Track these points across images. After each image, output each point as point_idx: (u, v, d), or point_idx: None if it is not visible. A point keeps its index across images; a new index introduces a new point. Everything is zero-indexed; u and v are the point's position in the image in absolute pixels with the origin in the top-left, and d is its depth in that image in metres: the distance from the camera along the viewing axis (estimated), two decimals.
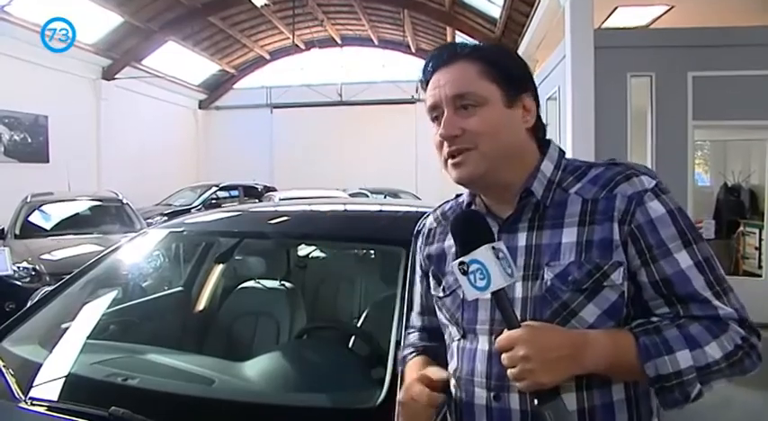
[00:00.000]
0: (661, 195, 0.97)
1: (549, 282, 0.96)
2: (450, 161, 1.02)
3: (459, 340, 1.06)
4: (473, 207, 1.10)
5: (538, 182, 1.02)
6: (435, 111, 1.04)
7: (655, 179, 0.99)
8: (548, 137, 1.11)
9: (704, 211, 6.55)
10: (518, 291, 0.98)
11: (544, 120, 1.11)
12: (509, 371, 0.88)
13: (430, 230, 1.19)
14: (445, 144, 1.02)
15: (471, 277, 0.90)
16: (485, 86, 1.01)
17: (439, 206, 1.23)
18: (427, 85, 1.06)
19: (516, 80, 1.04)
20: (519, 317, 0.92)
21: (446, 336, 1.11)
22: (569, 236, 0.97)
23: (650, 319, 0.94)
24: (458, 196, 1.19)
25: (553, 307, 0.95)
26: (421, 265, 1.21)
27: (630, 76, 5.50)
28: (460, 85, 1.01)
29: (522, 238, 1.01)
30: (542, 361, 0.85)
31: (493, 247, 0.90)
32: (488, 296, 0.92)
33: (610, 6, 6.69)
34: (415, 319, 1.27)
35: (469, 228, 0.96)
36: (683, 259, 0.94)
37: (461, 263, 0.91)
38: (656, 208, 0.96)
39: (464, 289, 0.92)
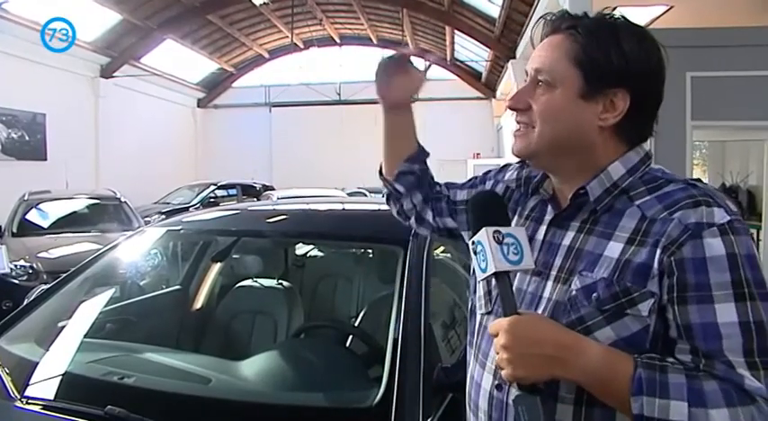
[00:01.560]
0: (729, 235, 0.83)
1: (573, 292, 0.90)
2: (514, 132, 0.99)
3: (482, 315, 1.05)
4: (542, 186, 1.04)
5: (598, 182, 0.93)
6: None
7: (731, 215, 0.84)
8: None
9: None
10: (547, 291, 0.95)
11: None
12: (494, 358, 0.86)
13: (509, 188, 1.13)
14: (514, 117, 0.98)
15: (478, 257, 0.89)
16: (565, 69, 0.92)
17: (523, 164, 1.13)
18: None
19: (608, 70, 0.90)
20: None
21: (473, 303, 1.10)
22: (613, 250, 0.89)
23: (665, 358, 0.83)
24: None
25: (570, 318, 0.89)
26: (486, 185, 1.19)
27: None
28: (543, 60, 0.94)
29: (568, 237, 0.95)
30: (519, 354, 0.82)
31: (496, 231, 0.88)
32: (492, 279, 0.89)
33: (609, 6, 6.68)
34: (449, 183, 1.29)
35: (482, 208, 0.94)
36: (726, 313, 0.81)
37: (473, 243, 0.90)
38: (714, 246, 0.82)
39: (475, 268, 0.91)
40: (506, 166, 1.18)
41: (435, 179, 1.29)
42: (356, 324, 2.16)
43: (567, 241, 0.95)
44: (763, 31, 5.50)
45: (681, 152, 5.47)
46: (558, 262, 0.95)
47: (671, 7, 6.83)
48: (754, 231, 6.33)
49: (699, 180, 0.93)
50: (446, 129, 15.44)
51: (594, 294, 0.88)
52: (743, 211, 6.87)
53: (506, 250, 0.87)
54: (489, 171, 1.23)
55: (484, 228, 0.88)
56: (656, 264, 0.85)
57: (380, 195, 1.36)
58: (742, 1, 6.53)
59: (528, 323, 0.85)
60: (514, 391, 0.90)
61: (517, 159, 1.11)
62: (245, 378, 1.71)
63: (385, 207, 1.34)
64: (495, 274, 0.87)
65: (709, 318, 0.82)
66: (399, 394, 1.41)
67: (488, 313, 1.03)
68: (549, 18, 0.98)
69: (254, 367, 1.75)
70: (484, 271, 0.88)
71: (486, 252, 0.88)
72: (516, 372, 0.82)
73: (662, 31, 6.60)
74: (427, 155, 1.27)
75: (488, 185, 1.18)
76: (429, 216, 1.25)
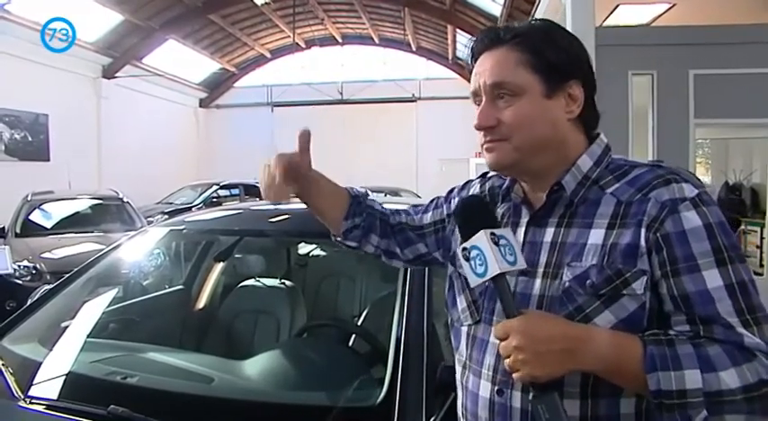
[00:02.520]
0: (701, 206, 0.89)
1: (566, 283, 0.93)
2: (483, 146, 1.00)
3: (469, 326, 1.05)
4: (512, 191, 1.06)
5: (571, 176, 0.98)
6: (476, 98, 1.01)
7: (698, 188, 0.91)
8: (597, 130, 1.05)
9: None
10: (536, 288, 0.96)
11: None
12: (504, 362, 0.85)
13: None
14: (481, 133, 1.00)
15: (472, 263, 0.89)
16: (523, 76, 0.96)
17: (488, 176, 1.17)
18: (472, 69, 1.03)
19: (561, 67, 0.97)
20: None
21: (454, 317, 1.11)
22: (596, 237, 0.93)
23: (666, 332, 0.87)
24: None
25: (568, 309, 0.91)
26: (451, 204, 1.19)
27: (632, 75, 5.47)
28: (498, 73, 0.97)
29: (548, 234, 0.98)
30: (535, 352, 0.82)
31: (492, 233, 0.89)
32: (489, 283, 0.89)
33: (611, 4, 6.67)
34: (409, 210, 1.29)
35: (471, 214, 0.95)
36: (713, 278, 0.86)
37: (464, 249, 0.90)
38: (691, 219, 0.88)
39: (467, 275, 0.91)
40: (469, 182, 1.22)
41: (389, 210, 1.28)
42: (359, 323, 2.16)
43: (548, 238, 0.98)
44: (766, 29, 5.48)
45: (684, 150, 5.46)
46: (543, 259, 0.97)
47: (673, 5, 6.81)
48: (757, 229, 6.32)
49: (661, 161, 0.99)
50: (447, 128, 15.44)
51: (588, 281, 0.91)
52: (746, 209, 6.85)
53: (503, 251, 0.88)
54: (452, 189, 1.25)
55: (482, 231, 0.89)
56: (642, 242, 0.89)
57: (383, 195, 1.36)
58: None
59: (537, 321, 0.86)
60: (518, 394, 0.92)
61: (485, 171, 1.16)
62: (247, 377, 1.72)
63: (387, 206, 1.34)
64: (494, 277, 0.87)
65: (701, 286, 0.86)
66: (402, 393, 1.41)
67: (476, 323, 1.04)
68: (485, 34, 1.02)
69: (257, 366, 1.76)
70: (482, 275, 0.88)
71: (484, 255, 0.88)
72: (534, 371, 0.83)
73: (664, 28, 6.63)
74: (362, 201, 1.24)
75: (453, 203, 1.19)
76: (397, 250, 1.26)
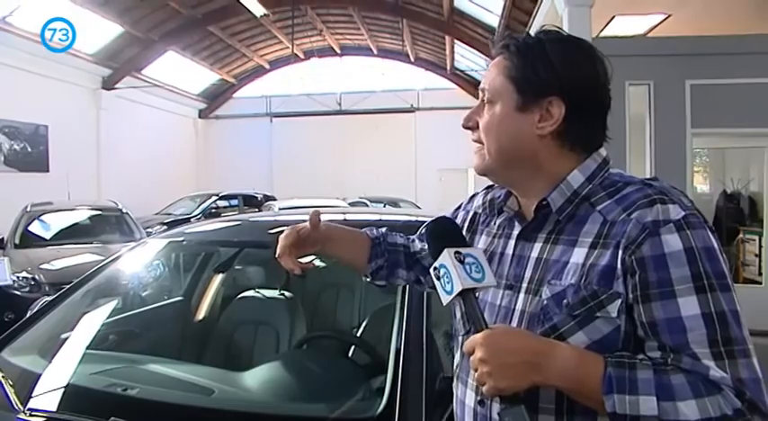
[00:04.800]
0: (685, 230, 0.85)
1: (545, 301, 0.93)
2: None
3: (462, 336, 1.07)
4: (506, 204, 1.08)
5: (558, 193, 0.96)
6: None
7: (686, 210, 0.88)
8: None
9: None
10: (519, 303, 0.97)
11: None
12: (474, 375, 0.86)
13: (476, 213, 1.17)
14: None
15: (442, 281, 0.91)
16: (501, 84, 0.98)
17: (488, 188, 1.19)
18: None
19: (540, 83, 0.95)
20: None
21: (456, 328, 1.13)
22: (578, 256, 0.92)
23: (634, 356, 0.85)
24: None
25: (544, 327, 0.92)
26: (457, 219, 1.21)
27: (629, 85, 5.52)
28: (485, 78, 1.01)
29: (536, 249, 0.98)
30: (498, 365, 0.82)
31: (457, 251, 0.91)
32: (458, 299, 0.90)
33: (607, 15, 6.73)
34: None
35: (438, 233, 0.98)
36: (688, 306, 0.83)
37: (434, 268, 0.93)
38: (671, 242, 0.85)
39: (439, 294, 0.92)
40: (474, 196, 1.23)
41: (408, 239, 1.30)
42: (358, 334, 2.16)
43: (535, 253, 0.98)
44: (761, 39, 5.53)
45: (681, 159, 5.49)
46: (528, 274, 0.97)
47: (669, 16, 6.87)
48: (756, 237, 6.33)
49: (655, 178, 0.96)
50: (446, 139, 15.47)
51: (565, 301, 0.90)
52: (745, 218, 6.86)
53: (469, 269, 0.90)
54: (459, 205, 1.27)
55: (445, 250, 0.91)
56: (618, 265, 0.87)
57: (383, 205, 1.38)
58: (739, 9, 6.57)
59: (500, 335, 0.87)
60: (497, 405, 0.92)
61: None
62: (247, 388, 1.72)
63: (386, 217, 1.35)
64: (462, 293, 0.89)
65: (673, 313, 0.84)
66: (402, 404, 1.42)
67: (467, 333, 1.04)
68: (499, 42, 1.03)
69: (257, 378, 1.76)
70: (450, 292, 0.90)
71: (450, 273, 0.90)
72: (498, 384, 0.83)
73: (660, 39, 6.67)
74: (382, 241, 1.27)
75: (459, 218, 1.21)
76: (422, 279, 1.29)
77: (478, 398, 0.99)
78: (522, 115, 0.96)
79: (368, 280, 1.29)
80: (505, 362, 0.83)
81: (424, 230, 1.08)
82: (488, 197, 1.16)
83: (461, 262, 0.90)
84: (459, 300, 0.90)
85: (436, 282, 0.92)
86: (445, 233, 0.97)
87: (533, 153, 0.97)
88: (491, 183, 1.14)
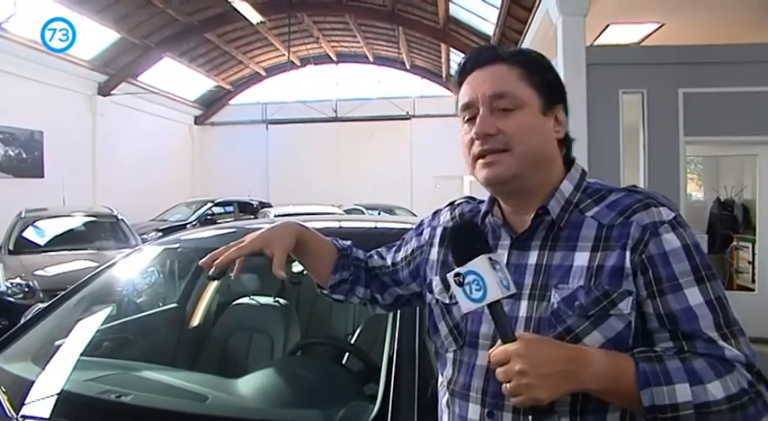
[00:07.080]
0: (678, 229, 0.94)
1: (555, 305, 0.94)
2: (480, 161, 1.00)
3: (454, 351, 1.05)
4: (490, 215, 1.07)
5: (555, 201, 1.00)
6: (468, 111, 1.02)
7: (674, 212, 0.96)
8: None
9: (697, 226, 6.59)
10: (522, 310, 0.97)
11: None
12: (504, 386, 0.85)
13: (445, 229, 1.16)
14: (476, 143, 1.00)
15: (467, 288, 0.89)
16: (524, 90, 1.00)
17: (456, 203, 1.20)
18: (460, 85, 1.05)
19: (554, 89, 1.03)
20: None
21: (438, 344, 1.11)
22: (581, 260, 0.95)
23: (653, 348, 0.90)
24: (475, 199, 1.18)
25: (557, 330, 0.93)
26: (423, 235, 1.21)
27: (622, 93, 5.55)
28: (500, 85, 1.00)
29: (533, 257, 0.99)
30: (538, 375, 0.83)
31: (489, 258, 0.89)
32: (484, 309, 0.90)
33: (601, 24, 6.78)
34: (382, 251, 1.30)
35: (466, 238, 0.94)
36: (694, 296, 0.90)
37: (457, 274, 0.90)
38: (671, 241, 0.92)
39: (459, 301, 0.90)
40: (438, 212, 1.24)
41: (367, 255, 1.29)
42: (352, 341, 2.17)
43: (532, 260, 1.00)
44: (754, 48, 5.58)
45: (674, 167, 5.52)
46: (528, 281, 0.98)
47: (662, 25, 6.93)
48: (749, 245, 6.36)
49: (635, 186, 1.03)
50: (442, 146, 15.51)
51: (577, 302, 0.93)
52: (738, 225, 6.89)
53: (500, 277, 0.88)
54: (422, 221, 1.26)
55: (482, 256, 0.89)
56: (628, 264, 0.93)
57: (377, 212, 1.38)
58: (731, 18, 6.63)
59: (537, 344, 0.87)
60: (509, 415, 0.94)
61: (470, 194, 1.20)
62: (242, 395, 1.72)
63: (381, 224, 1.36)
64: (490, 304, 0.88)
65: (685, 303, 0.91)
66: (395, 411, 1.42)
67: (460, 347, 1.04)
68: (481, 51, 1.07)
69: (251, 384, 1.76)
70: (478, 300, 0.88)
71: (483, 280, 0.88)
72: (537, 394, 0.83)
73: (653, 48, 6.72)
74: (349, 253, 1.26)
75: (425, 234, 1.21)
76: (377, 296, 1.28)
77: (487, 410, 0.98)
78: (546, 119, 1.02)
79: (323, 292, 1.26)
80: (545, 373, 0.84)
81: (450, 232, 1.08)
82: (457, 211, 1.18)
83: (494, 269, 0.88)
84: (484, 308, 0.90)
85: (457, 288, 0.90)
86: (473, 237, 0.94)
87: (552, 157, 1.03)
88: (484, 192, 1.13)
